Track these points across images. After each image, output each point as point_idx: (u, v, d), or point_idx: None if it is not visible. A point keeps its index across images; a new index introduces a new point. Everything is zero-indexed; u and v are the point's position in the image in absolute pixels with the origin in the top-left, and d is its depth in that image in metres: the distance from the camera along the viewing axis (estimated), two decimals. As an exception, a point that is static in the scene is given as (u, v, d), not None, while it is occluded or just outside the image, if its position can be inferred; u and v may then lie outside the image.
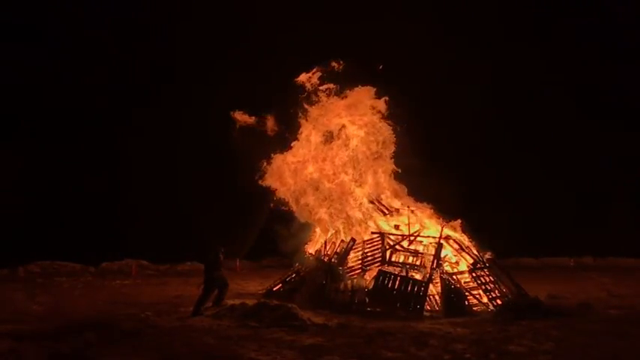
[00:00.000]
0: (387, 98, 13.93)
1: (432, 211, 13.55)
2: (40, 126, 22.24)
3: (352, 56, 14.56)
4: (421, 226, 13.09)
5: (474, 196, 20.75)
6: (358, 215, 13.38)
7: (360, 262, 12.40)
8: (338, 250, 12.69)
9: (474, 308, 11.18)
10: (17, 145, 20.92)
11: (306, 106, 14.10)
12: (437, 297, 11.41)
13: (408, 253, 12.11)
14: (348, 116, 13.89)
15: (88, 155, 22.51)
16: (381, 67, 15.05)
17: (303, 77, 14.20)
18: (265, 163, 14.01)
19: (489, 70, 23.21)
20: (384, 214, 13.54)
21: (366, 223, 13.32)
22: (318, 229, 13.88)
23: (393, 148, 13.87)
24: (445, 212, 13.49)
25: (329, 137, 13.99)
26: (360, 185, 13.71)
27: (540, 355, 7.22)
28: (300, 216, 13.65)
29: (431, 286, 11.19)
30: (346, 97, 14.00)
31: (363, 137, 13.83)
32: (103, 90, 22.65)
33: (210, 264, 10.81)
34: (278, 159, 13.97)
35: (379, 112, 13.89)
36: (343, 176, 13.59)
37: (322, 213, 13.46)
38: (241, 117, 14.39)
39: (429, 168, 14.25)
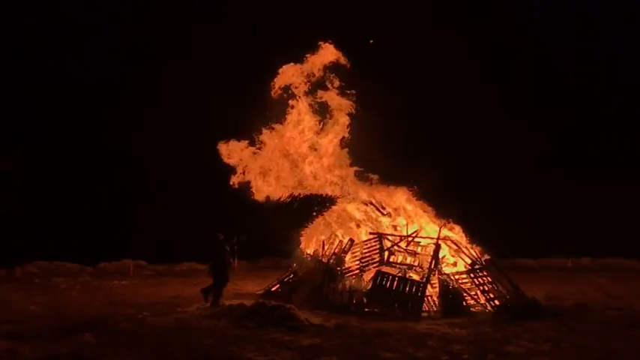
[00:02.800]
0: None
1: (430, 212, 13.55)
2: (39, 126, 22.19)
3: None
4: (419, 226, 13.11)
5: (473, 196, 20.74)
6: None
7: (358, 262, 12.43)
8: (336, 251, 12.71)
9: (472, 309, 11.21)
10: (15, 144, 20.85)
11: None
12: (435, 298, 11.43)
13: (406, 254, 12.14)
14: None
15: (87, 155, 22.44)
16: (371, 41, 14.86)
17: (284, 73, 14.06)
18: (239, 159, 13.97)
19: (489, 67, 23.21)
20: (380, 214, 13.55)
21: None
22: (311, 227, 13.86)
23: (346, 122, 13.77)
24: (442, 212, 13.50)
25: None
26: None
27: (538, 356, 7.24)
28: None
29: (429, 286, 11.20)
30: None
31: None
32: (102, 90, 22.61)
33: (220, 257, 11.20)
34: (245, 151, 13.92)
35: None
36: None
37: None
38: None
39: (426, 167, 14.22)
